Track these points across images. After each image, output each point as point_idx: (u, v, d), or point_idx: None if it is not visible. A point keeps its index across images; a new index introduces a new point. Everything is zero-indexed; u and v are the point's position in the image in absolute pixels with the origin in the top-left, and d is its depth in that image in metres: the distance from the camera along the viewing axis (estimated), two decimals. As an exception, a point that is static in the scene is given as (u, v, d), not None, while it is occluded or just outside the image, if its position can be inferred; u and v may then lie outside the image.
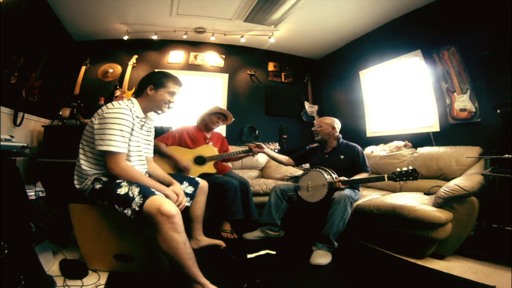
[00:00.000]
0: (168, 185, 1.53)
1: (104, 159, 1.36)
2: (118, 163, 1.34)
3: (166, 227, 1.18)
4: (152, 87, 1.50)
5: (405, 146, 2.91)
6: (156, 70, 1.64)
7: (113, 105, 1.38)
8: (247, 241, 2.14)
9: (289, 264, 1.76)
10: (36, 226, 1.40)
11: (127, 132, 1.37)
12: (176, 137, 2.46)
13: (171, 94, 1.54)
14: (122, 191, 1.29)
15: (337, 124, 2.36)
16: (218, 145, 2.61)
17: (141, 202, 1.22)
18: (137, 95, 1.55)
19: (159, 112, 1.58)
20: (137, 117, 1.47)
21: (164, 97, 1.52)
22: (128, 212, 1.25)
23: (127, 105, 1.41)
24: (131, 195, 1.27)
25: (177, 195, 1.45)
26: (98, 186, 1.39)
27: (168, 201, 1.25)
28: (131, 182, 1.34)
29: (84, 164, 1.41)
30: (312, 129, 2.41)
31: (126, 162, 1.40)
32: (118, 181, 1.36)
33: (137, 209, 1.23)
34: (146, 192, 1.26)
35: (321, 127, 2.34)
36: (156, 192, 1.30)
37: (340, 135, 2.40)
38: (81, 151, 1.43)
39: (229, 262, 1.76)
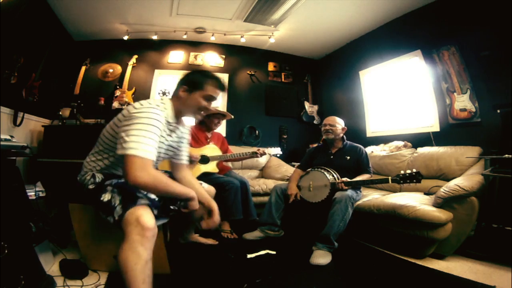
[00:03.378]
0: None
1: (123, 166, 1.06)
2: (147, 170, 1.06)
3: (135, 237, 1.04)
4: (185, 87, 1.28)
5: (404, 146, 2.91)
6: (197, 69, 1.43)
7: (141, 105, 1.17)
8: (247, 241, 2.14)
9: (289, 264, 1.76)
10: (36, 226, 1.40)
11: (157, 135, 1.14)
12: None
13: (209, 100, 1.30)
14: (105, 198, 1.21)
15: (344, 125, 2.38)
16: (218, 144, 2.62)
17: (121, 213, 1.12)
18: (172, 95, 1.34)
19: (193, 118, 1.37)
20: (168, 122, 1.28)
21: (199, 101, 1.28)
22: (110, 219, 1.17)
23: (158, 105, 1.20)
24: (113, 203, 1.18)
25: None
26: (91, 186, 1.31)
27: (149, 215, 1.10)
28: (116, 186, 1.23)
29: (93, 157, 1.35)
30: (324, 128, 2.35)
31: (155, 170, 1.15)
32: (106, 183, 1.27)
33: (117, 218, 1.13)
34: (127, 202, 1.14)
35: (335, 127, 2.32)
36: (139, 202, 1.14)
37: (345, 136, 2.41)
38: (95, 148, 1.37)
39: (229, 262, 1.76)
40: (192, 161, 2.28)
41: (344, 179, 2.05)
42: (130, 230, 1.05)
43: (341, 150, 2.35)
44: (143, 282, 1.03)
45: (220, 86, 1.31)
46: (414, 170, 1.84)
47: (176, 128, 1.36)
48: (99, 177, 1.33)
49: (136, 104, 1.18)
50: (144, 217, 1.07)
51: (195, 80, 1.28)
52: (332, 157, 2.34)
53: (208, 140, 2.58)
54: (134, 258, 1.02)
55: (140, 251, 1.03)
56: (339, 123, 2.34)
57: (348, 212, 1.89)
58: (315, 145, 2.58)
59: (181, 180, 1.48)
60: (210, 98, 1.30)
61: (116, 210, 1.15)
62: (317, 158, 2.42)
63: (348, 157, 2.29)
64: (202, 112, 1.32)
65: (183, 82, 1.30)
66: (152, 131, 1.11)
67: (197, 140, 2.51)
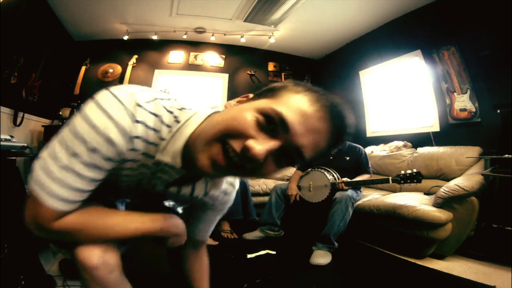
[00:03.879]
0: None
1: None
2: (50, 224, 0.60)
3: (86, 277, 0.63)
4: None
5: (404, 146, 2.91)
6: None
7: (113, 96, 0.56)
8: (247, 241, 2.14)
9: (289, 264, 1.76)
10: (36, 226, 1.40)
11: (102, 171, 0.63)
12: None
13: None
14: None
15: None
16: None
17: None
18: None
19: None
20: (158, 161, 0.70)
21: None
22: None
23: (160, 114, 0.63)
24: None
25: None
26: None
27: (91, 249, 0.61)
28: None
29: None
30: None
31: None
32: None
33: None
34: None
35: None
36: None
37: None
38: None
39: (229, 262, 1.76)
40: None
41: (345, 179, 2.05)
42: (79, 267, 0.63)
43: (340, 150, 2.35)
44: None
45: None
46: (415, 170, 1.85)
47: (197, 183, 0.72)
48: None
49: (104, 91, 0.55)
50: (82, 250, 0.62)
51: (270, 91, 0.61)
52: (331, 158, 2.35)
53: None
54: None
55: None
56: None
57: (348, 212, 1.89)
58: None
59: (188, 270, 0.96)
60: None
61: None
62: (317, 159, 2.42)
63: (348, 158, 2.29)
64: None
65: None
66: (80, 161, 0.52)
67: None
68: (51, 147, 0.56)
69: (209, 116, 0.60)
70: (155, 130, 0.56)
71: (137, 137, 0.54)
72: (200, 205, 0.81)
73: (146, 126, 0.54)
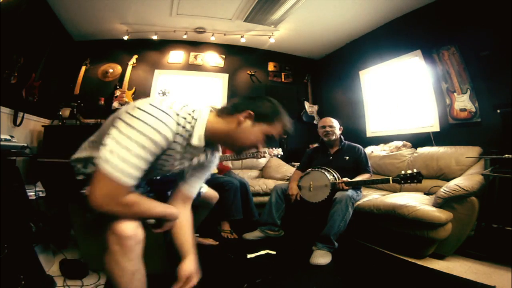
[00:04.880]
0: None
1: (92, 180, 0.84)
2: (117, 199, 0.86)
3: (114, 248, 0.86)
4: (251, 114, 0.96)
5: (404, 146, 2.91)
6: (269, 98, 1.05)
7: (152, 107, 0.85)
8: (247, 241, 2.14)
9: (289, 264, 1.76)
10: (36, 226, 1.40)
11: (151, 157, 0.91)
12: None
13: (268, 139, 1.04)
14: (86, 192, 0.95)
15: (340, 125, 2.39)
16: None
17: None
18: (220, 112, 1.01)
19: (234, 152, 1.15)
20: (189, 145, 0.99)
21: (258, 137, 1.00)
22: (89, 216, 1.09)
23: (177, 119, 0.93)
24: None
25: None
26: (80, 177, 1.12)
27: (128, 221, 0.87)
28: None
29: (89, 144, 1.14)
30: (324, 130, 2.34)
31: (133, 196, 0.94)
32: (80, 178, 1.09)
33: (94, 217, 1.01)
34: None
35: (334, 128, 2.33)
36: None
37: (342, 136, 2.41)
38: (95, 135, 1.14)
39: (229, 262, 1.76)
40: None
41: (345, 179, 2.05)
42: (109, 239, 0.87)
43: (339, 150, 2.36)
44: None
45: (288, 127, 1.05)
46: (415, 170, 1.85)
47: (200, 154, 1.05)
48: (91, 168, 1.09)
49: (145, 104, 0.83)
50: (121, 224, 0.85)
51: (266, 111, 0.98)
52: (331, 158, 2.35)
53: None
54: (118, 271, 0.88)
55: (123, 263, 0.87)
56: (337, 123, 2.36)
57: (348, 212, 1.89)
58: (314, 145, 2.57)
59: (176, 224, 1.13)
60: (271, 138, 1.02)
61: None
62: (316, 159, 2.42)
63: (347, 157, 2.29)
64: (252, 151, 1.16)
65: (250, 106, 0.97)
66: (147, 151, 0.80)
67: None
68: (117, 144, 0.79)
69: (210, 112, 0.98)
70: (184, 127, 0.91)
71: (177, 133, 0.89)
72: (200, 166, 1.13)
73: (182, 126, 0.90)
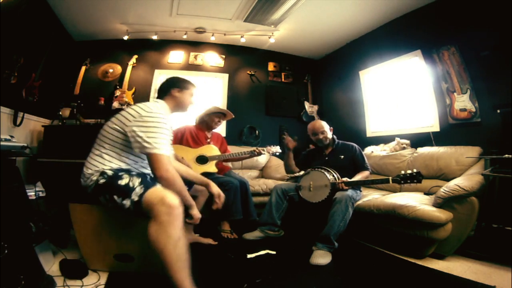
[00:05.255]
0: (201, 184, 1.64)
1: (152, 164, 1.26)
2: (169, 168, 1.26)
3: (164, 218, 1.10)
4: (178, 89, 1.55)
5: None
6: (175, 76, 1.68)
7: (151, 108, 1.33)
8: (247, 241, 2.14)
9: (289, 264, 1.76)
10: (36, 226, 1.40)
11: (169, 136, 1.37)
12: (178, 136, 2.47)
13: (193, 96, 1.64)
14: (123, 182, 1.25)
15: (329, 126, 2.42)
16: (218, 145, 2.61)
17: (142, 192, 1.19)
18: (165, 96, 1.55)
19: (183, 112, 1.64)
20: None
21: (189, 100, 1.60)
22: (127, 203, 1.20)
23: (161, 106, 1.45)
24: (131, 185, 1.23)
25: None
26: (102, 181, 1.29)
27: (171, 194, 1.18)
28: (132, 174, 1.29)
29: (99, 158, 1.34)
30: (318, 137, 2.35)
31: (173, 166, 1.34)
32: (120, 173, 1.29)
33: (136, 199, 1.18)
34: (148, 183, 1.24)
35: (326, 132, 2.35)
36: (158, 184, 1.26)
37: (334, 136, 2.41)
38: (97, 150, 1.36)
39: (229, 262, 1.76)
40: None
41: (345, 179, 2.05)
42: (157, 211, 1.11)
43: (334, 150, 2.37)
44: (178, 260, 1.09)
45: (195, 85, 1.65)
46: (415, 170, 1.84)
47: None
48: (109, 172, 1.31)
49: (145, 107, 1.33)
50: (169, 195, 1.15)
51: (181, 84, 1.57)
52: (327, 158, 2.35)
53: (208, 140, 2.57)
54: (164, 238, 1.08)
55: (170, 231, 1.09)
56: (327, 126, 2.39)
57: (348, 212, 1.89)
58: (312, 147, 2.58)
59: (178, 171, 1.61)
60: (193, 95, 1.63)
61: (136, 190, 1.21)
62: (312, 161, 2.42)
63: (342, 156, 2.30)
64: (190, 107, 1.64)
65: (174, 85, 1.56)
66: (166, 133, 1.31)
67: (196, 140, 2.51)
68: (148, 133, 1.26)
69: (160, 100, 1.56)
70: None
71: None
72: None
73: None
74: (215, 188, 1.61)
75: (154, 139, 1.25)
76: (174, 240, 1.10)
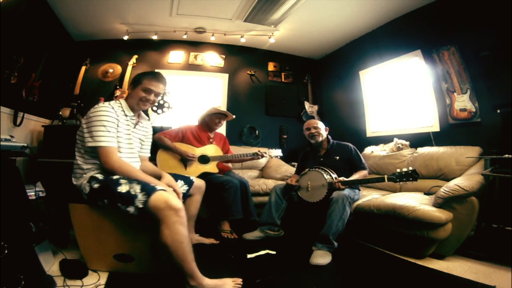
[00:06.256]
0: (158, 178, 1.54)
1: (97, 156, 1.40)
2: (110, 157, 1.38)
3: (173, 220, 1.21)
4: (131, 86, 1.59)
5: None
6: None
7: (98, 105, 1.46)
8: (247, 241, 2.14)
9: (289, 264, 1.76)
10: (36, 226, 1.40)
11: (112, 127, 1.42)
12: (180, 135, 2.48)
13: (146, 91, 1.55)
14: (123, 189, 1.31)
15: (325, 126, 2.41)
16: (220, 145, 2.63)
17: (145, 199, 1.24)
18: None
19: (140, 109, 1.61)
20: (126, 115, 1.54)
21: (138, 94, 1.54)
22: (131, 209, 1.27)
23: (109, 104, 1.48)
24: (133, 193, 1.28)
25: (171, 186, 1.50)
26: (96, 185, 1.38)
27: (173, 196, 1.29)
28: (130, 180, 1.35)
29: (80, 160, 1.47)
30: (310, 132, 2.34)
31: (118, 156, 1.44)
32: (115, 178, 1.37)
33: (141, 206, 1.25)
34: (148, 189, 1.29)
35: (319, 129, 2.34)
36: (158, 187, 1.31)
37: (329, 136, 2.41)
38: (76, 149, 1.50)
39: (229, 262, 1.76)
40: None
41: (341, 178, 2.05)
42: (165, 215, 1.21)
43: (329, 150, 2.36)
44: (190, 252, 1.24)
45: (155, 78, 1.56)
46: (410, 168, 1.82)
47: (138, 121, 1.64)
48: (99, 176, 1.40)
49: (95, 106, 1.46)
50: (172, 199, 1.24)
51: (136, 78, 1.59)
52: (322, 159, 2.34)
53: (211, 140, 2.58)
54: (179, 237, 1.21)
55: (181, 230, 1.22)
56: (322, 125, 2.37)
57: (345, 211, 1.89)
58: (307, 149, 2.57)
59: (144, 169, 1.64)
60: (148, 90, 1.54)
61: (138, 198, 1.26)
62: (308, 162, 2.42)
63: (337, 157, 2.29)
64: (147, 103, 1.57)
65: (130, 83, 1.64)
66: (105, 125, 1.39)
67: (199, 140, 2.52)
68: (90, 127, 1.39)
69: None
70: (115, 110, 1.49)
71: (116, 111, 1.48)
72: (146, 135, 1.75)
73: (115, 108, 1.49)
74: (167, 178, 1.59)
75: (92, 132, 1.37)
76: (186, 235, 1.23)
